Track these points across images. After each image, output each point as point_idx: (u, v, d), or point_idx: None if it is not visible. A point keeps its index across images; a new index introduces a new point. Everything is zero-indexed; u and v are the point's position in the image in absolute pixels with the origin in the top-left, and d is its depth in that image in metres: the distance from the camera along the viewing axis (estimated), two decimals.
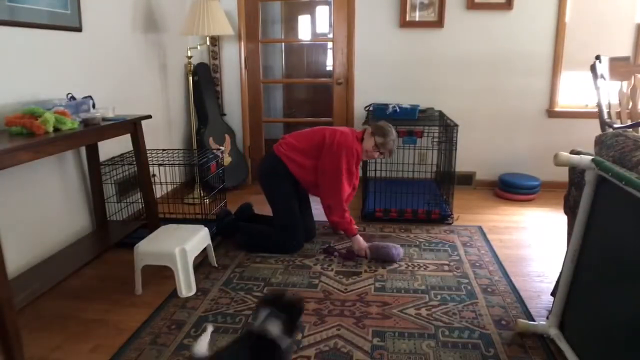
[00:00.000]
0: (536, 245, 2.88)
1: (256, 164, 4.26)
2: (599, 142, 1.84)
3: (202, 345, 1.47)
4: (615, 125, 2.92)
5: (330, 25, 4.34)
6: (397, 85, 3.97)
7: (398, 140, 2.84)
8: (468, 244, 2.86)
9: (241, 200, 3.33)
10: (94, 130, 2.27)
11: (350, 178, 2.70)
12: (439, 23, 3.80)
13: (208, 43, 3.75)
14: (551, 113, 3.88)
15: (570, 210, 1.92)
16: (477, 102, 3.93)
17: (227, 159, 4.03)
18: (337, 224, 2.74)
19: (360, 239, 2.68)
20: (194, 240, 2.36)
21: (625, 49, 3.69)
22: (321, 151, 2.67)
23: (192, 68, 3.53)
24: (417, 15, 3.81)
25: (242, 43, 4.04)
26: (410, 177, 3.43)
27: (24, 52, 2.26)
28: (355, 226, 2.72)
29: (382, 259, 2.61)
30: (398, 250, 2.64)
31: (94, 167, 2.72)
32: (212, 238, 2.64)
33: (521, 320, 1.97)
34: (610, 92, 3.09)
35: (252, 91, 4.18)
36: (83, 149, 2.70)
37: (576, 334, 1.75)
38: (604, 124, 2.98)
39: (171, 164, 3.00)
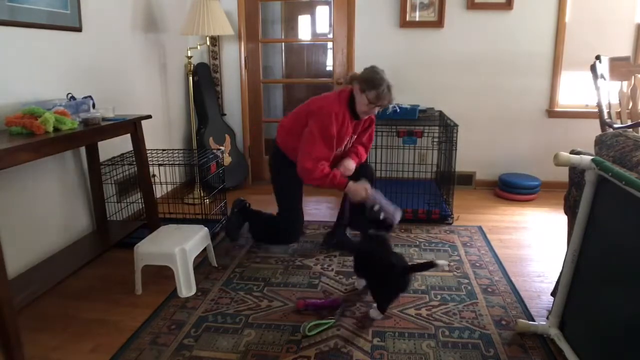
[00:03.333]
0: (536, 245, 2.87)
1: (256, 164, 4.29)
2: (599, 142, 1.84)
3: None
4: (615, 125, 2.92)
5: (330, 25, 4.33)
6: (397, 86, 3.89)
7: (398, 140, 2.83)
8: (468, 244, 2.85)
9: None
10: (94, 130, 2.26)
11: (329, 142, 2.44)
12: (439, 23, 3.80)
13: (208, 43, 3.75)
14: (551, 113, 3.88)
15: (570, 210, 1.92)
16: (477, 102, 3.93)
17: (227, 159, 4.03)
18: (320, 184, 2.46)
19: (354, 185, 2.45)
20: (194, 240, 2.36)
21: (625, 49, 3.69)
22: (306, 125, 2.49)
23: (192, 68, 3.53)
24: (417, 16, 3.81)
25: (242, 43, 4.04)
26: (410, 177, 3.43)
27: (24, 52, 2.26)
28: (342, 177, 2.47)
29: (377, 217, 2.25)
30: (397, 213, 2.33)
31: (94, 167, 2.72)
32: (212, 238, 2.64)
33: (521, 320, 1.97)
34: (610, 92, 3.10)
35: (252, 91, 4.18)
36: (83, 149, 2.70)
37: (576, 334, 1.75)
38: (604, 124, 2.98)
39: (171, 164, 3.00)
